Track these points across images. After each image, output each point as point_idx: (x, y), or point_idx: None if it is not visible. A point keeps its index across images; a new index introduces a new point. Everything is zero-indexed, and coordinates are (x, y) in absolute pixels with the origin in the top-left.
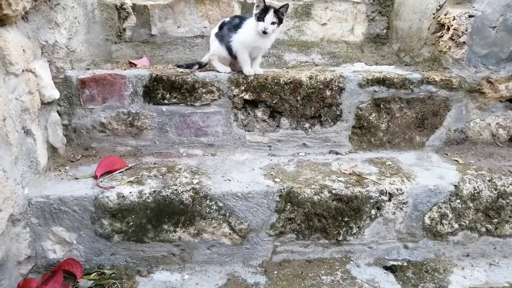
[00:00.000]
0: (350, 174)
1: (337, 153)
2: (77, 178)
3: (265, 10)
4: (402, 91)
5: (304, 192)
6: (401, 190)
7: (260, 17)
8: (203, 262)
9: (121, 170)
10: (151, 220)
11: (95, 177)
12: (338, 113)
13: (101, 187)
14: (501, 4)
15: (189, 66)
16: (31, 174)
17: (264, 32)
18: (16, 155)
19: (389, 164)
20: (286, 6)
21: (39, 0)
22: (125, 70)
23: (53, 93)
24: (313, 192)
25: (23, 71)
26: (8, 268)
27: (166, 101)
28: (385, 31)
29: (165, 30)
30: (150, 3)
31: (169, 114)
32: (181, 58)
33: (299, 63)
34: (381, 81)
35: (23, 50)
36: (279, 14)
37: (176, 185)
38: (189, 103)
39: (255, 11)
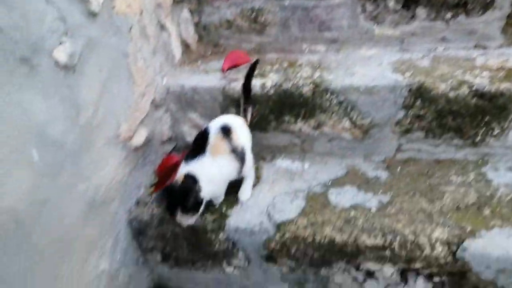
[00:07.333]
0: (498, 69)
1: (484, 48)
2: (207, 72)
3: None
4: None
5: (437, 87)
6: None
7: None
8: (323, 153)
9: (245, 64)
10: (273, 111)
11: (223, 70)
12: None
13: (227, 79)
14: None
15: None
16: (168, 66)
17: None
18: (154, 46)
19: None
20: None
21: None
22: None
23: None
24: (449, 88)
25: None
26: (154, 145)
27: None
28: None
29: None
30: None
31: (291, 8)
32: None
33: None
34: None
35: None
36: None
37: (297, 78)
38: None
39: None
